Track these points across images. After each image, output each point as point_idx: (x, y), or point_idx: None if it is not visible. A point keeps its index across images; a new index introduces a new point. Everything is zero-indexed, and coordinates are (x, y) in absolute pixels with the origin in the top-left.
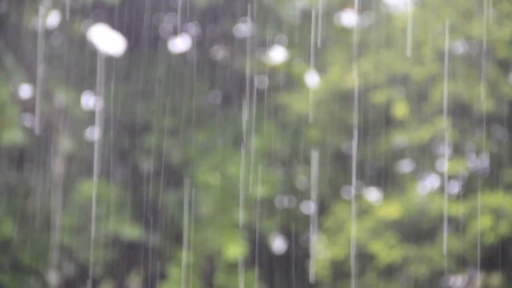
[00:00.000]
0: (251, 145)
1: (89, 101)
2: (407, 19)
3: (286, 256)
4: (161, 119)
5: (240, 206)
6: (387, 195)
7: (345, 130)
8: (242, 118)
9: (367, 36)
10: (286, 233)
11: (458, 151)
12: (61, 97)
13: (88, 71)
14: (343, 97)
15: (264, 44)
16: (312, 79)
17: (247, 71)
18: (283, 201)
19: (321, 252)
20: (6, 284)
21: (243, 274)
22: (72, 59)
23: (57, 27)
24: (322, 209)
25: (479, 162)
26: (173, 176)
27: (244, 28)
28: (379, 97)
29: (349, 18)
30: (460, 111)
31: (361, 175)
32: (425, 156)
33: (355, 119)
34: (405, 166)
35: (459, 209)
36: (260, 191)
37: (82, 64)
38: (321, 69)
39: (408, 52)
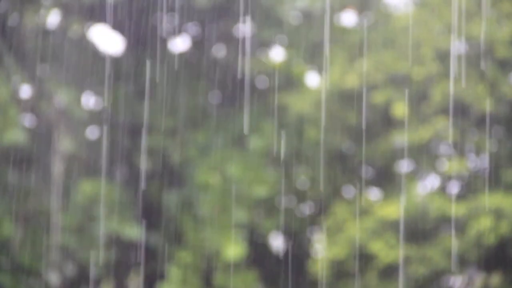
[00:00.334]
0: (251, 145)
1: (89, 101)
2: (407, 19)
3: (286, 256)
4: (161, 119)
5: (240, 206)
6: (387, 195)
7: (345, 130)
8: (242, 118)
9: (367, 36)
10: (286, 233)
11: (458, 151)
12: (61, 97)
13: (88, 71)
14: (343, 97)
15: (264, 44)
16: (312, 79)
17: (247, 71)
18: (283, 201)
19: (321, 252)
20: (6, 284)
21: (243, 274)
22: (72, 59)
23: (57, 27)
24: (322, 209)
25: (479, 162)
26: (173, 176)
27: (244, 28)
28: (379, 97)
29: (349, 18)
30: (460, 111)
31: (361, 175)
32: (425, 156)
33: (355, 119)
34: (405, 166)
35: (459, 209)
36: (260, 191)
37: (82, 64)
38: (321, 69)
39: (408, 52)
